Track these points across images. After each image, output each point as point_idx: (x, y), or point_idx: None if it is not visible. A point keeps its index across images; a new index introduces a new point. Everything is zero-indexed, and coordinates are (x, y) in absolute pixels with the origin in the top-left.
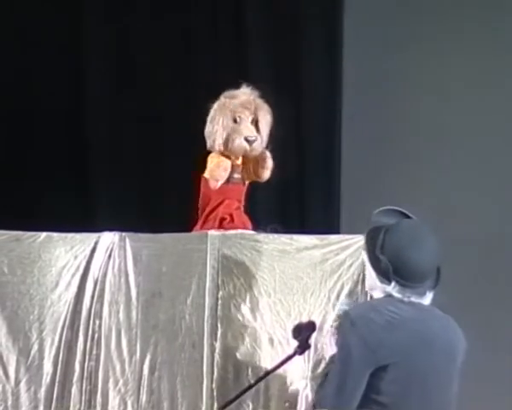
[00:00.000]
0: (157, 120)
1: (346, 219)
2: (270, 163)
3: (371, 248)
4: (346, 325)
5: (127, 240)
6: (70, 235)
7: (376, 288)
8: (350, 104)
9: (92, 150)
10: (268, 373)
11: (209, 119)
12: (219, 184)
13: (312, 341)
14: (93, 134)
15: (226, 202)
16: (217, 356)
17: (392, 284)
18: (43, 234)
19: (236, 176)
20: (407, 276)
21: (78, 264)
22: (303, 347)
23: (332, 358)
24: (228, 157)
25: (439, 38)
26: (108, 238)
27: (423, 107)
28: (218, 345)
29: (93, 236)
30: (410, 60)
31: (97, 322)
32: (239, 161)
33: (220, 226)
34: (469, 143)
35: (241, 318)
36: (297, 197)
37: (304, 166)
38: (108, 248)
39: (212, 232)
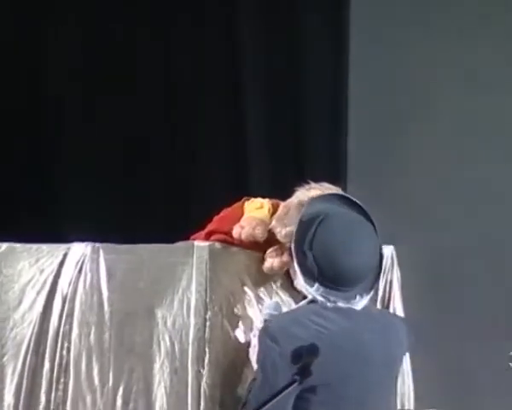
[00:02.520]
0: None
1: None
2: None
3: (300, 241)
4: (265, 341)
5: (101, 252)
6: (35, 246)
7: (301, 287)
8: (356, 95)
9: (58, 147)
10: (264, 404)
11: (275, 221)
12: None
13: None
14: (60, 129)
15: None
16: (204, 385)
17: (316, 285)
18: (4, 245)
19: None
20: (333, 279)
21: (45, 279)
22: (303, 374)
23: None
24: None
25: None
26: (79, 250)
27: (434, 92)
28: (205, 372)
29: (62, 247)
30: (421, 44)
31: (66, 346)
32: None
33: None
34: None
35: (232, 341)
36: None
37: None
38: (79, 261)
39: (199, 243)
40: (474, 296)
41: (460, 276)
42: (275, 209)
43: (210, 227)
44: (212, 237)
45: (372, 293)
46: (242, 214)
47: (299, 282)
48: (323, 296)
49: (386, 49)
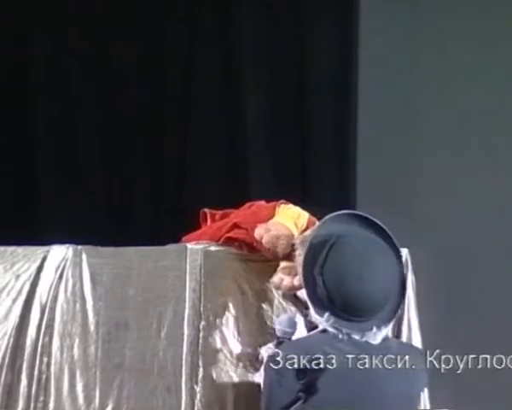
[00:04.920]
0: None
1: (362, 206)
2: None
3: (310, 265)
4: (272, 374)
5: (84, 255)
6: (10, 249)
7: (310, 317)
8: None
9: (38, 143)
10: None
11: (299, 241)
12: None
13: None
14: (40, 128)
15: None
16: (198, 403)
17: (326, 315)
18: None
19: None
20: (344, 307)
21: (21, 286)
22: (309, 391)
23: None
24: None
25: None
26: (59, 253)
27: (446, 98)
28: (199, 389)
29: (40, 250)
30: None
31: (45, 360)
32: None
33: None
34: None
35: (228, 354)
36: (305, 186)
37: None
38: (60, 265)
39: (193, 246)
40: (488, 300)
41: (475, 280)
42: (307, 228)
43: (235, 218)
44: (233, 232)
45: (392, 324)
46: (271, 217)
47: (310, 311)
48: (335, 328)
49: (397, 50)
